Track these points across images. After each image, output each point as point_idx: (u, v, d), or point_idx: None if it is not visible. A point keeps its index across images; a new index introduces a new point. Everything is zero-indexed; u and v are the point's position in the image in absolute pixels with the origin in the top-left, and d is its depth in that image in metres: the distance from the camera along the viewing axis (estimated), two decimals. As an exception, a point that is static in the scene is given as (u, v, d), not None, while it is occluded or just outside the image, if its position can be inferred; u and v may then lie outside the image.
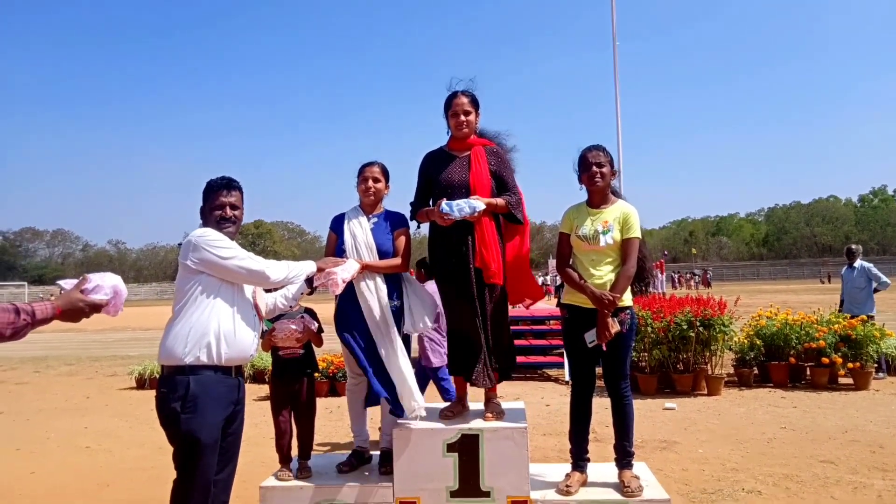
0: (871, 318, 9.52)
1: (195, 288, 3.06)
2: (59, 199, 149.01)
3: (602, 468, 3.89)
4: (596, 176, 3.73)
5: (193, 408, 2.93)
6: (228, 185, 3.29)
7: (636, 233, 3.71)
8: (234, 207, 3.30)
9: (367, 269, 3.84)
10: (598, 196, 3.81)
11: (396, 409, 3.71)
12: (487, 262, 3.64)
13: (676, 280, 51.84)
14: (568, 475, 3.69)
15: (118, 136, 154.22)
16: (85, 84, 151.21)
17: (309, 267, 3.51)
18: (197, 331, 3.00)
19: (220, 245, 3.09)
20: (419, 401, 3.69)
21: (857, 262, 9.91)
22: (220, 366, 3.04)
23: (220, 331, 3.02)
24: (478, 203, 3.59)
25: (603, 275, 3.66)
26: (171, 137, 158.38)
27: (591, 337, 3.60)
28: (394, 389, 3.70)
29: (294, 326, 3.91)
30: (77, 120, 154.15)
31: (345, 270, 3.65)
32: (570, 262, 3.81)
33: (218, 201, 3.26)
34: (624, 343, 3.69)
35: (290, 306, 3.70)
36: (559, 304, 3.90)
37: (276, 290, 3.55)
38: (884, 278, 9.73)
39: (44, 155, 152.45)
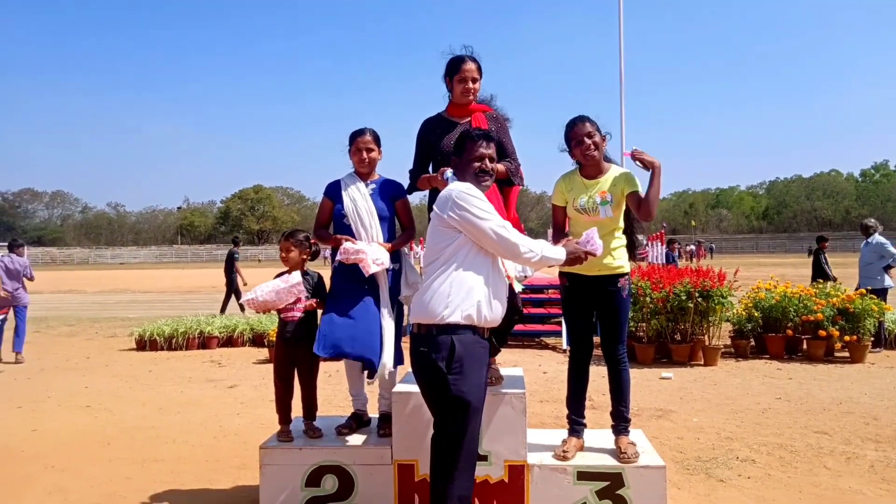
0: (884, 291, 9.57)
1: (456, 246, 2.97)
2: (59, 161, 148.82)
3: (598, 434, 3.92)
4: (590, 149, 3.60)
5: (460, 369, 2.85)
6: (487, 135, 3.20)
7: (639, 186, 3.64)
8: (492, 160, 3.19)
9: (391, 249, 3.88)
10: (594, 166, 3.69)
11: (370, 369, 3.70)
12: None
13: (678, 252, 51.67)
14: (565, 440, 3.72)
15: (118, 98, 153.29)
16: (85, 46, 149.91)
17: (559, 254, 3.17)
18: (460, 290, 2.92)
19: (480, 206, 2.96)
20: (388, 365, 3.70)
21: (873, 238, 9.93)
22: (479, 327, 2.96)
23: (484, 292, 2.95)
24: None
25: (608, 243, 3.62)
26: (172, 101, 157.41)
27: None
28: (372, 349, 3.68)
29: (281, 288, 3.88)
30: (76, 81, 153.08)
31: (360, 257, 3.69)
32: (567, 233, 3.78)
33: (477, 153, 3.12)
34: (622, 308, 3.69)
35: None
36: (560, 274, 3.88)
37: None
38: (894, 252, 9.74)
39: (43, 116, 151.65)
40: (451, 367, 2.83)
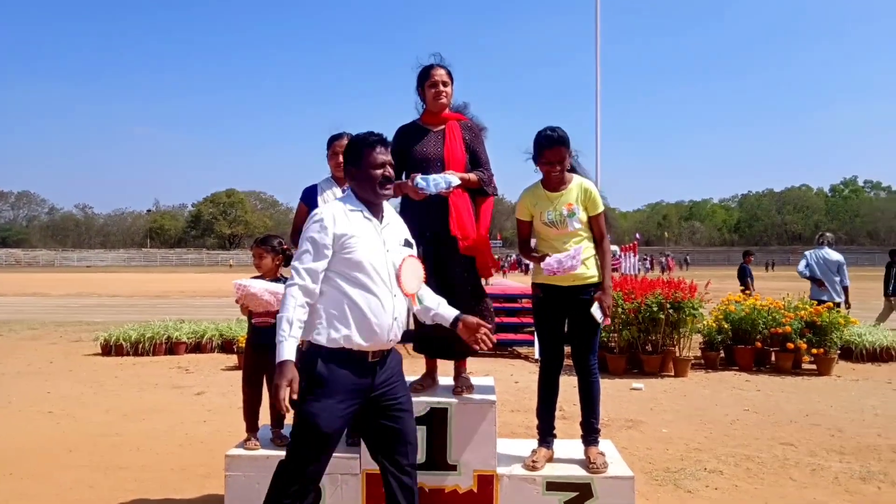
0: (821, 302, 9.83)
1: (327, 264, 2.81)
2: (25, 161, 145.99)
3: (568, 445, 3.92)
4: (556, 171, 3.63)
5: (320, 390, 2.76)
6: (385, 141, 2.96)
7: (601, 206, 3.71)
8: (392, 166, 2.97)
9: None
10: (558, 180, 3.70)
11: None
12: (464, 233, 3.64)
13: (650, 262, 52.47)
14: (534, 451, 3.71)
15: (87, 97, 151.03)
16: (52, 44, 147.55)
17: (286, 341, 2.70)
18: (334, 310, 2.81)
19: (306, 237, 2.80)
20: None
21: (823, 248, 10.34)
22: (355, 350, 2.82)
23: (358, 314, 2.79)
24: (453, 178, 3.57)
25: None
26: (142, 101, 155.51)
27: (598, 314, 3.62)
28: None
29: (266, 297, 3.87)
30: (44, 80, 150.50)
31: None
32: (534, 246, 3.81)
33: (378, 159, 2.89)
34: (595, 319, 3.70)
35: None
36: (533, 284, 3.87)
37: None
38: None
39: (10, 115, 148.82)
40: (309, 388, 2.71)
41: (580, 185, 3.71)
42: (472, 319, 3.05)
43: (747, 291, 11.56)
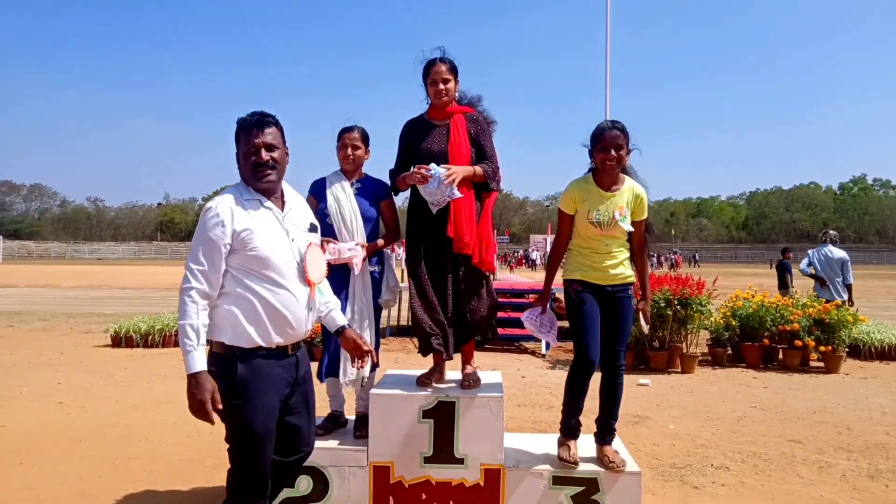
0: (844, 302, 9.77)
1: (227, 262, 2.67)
2: (38, 154, 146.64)
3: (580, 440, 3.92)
4: (612, 160, 3.46)
5: (245, 393, 2.66)
6: (261, 121, 2.69)
7: (646, 213, 3.66)
8: (270, 148, 2.69)
9: (369, 250, 3.88)
10: (611, 177, 3.56)
11: (335, 370, 3.77)
12: (461, 233, 3.62)
13: (657, 259, 52.52)
14: (566, 445, 3.59)
15: (100, 93, 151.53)
16: (70, 41, 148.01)
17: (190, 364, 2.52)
18: (239, 310, 2.69)
19: (199, 233, 2.63)
20: (362, 372, 3.73)
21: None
22: (269, 347, 2.71)
23: (266, 309, 2.68)
24: (454, 192, 3.57)
25: (618, 255, 3.59)
26: (155, 97, 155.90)
27: (645, 325, 3.70)
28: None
29: None
30: (57, 75, 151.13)
31: (355, 254, 3.74)
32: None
33: (251, 143, 2.66)
34: (630, 316, 3.65)
35: None
36: (568, 280, 3.67)
37: None
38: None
39: (24, 109, 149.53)
40: (236, 393, 2.58)
41: (632, 190, 3.61)
42: (353, 336, 2.93)
43: (791, 291, 11.21)
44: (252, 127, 2.68)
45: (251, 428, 2.61)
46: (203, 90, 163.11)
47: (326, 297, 2.96)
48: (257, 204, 2.70)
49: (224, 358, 2.61)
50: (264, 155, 2.67)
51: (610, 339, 3.61)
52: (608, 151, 3.46)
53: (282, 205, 2.79)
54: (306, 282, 2.75)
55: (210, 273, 2.57)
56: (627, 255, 3.67)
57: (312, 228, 2.91)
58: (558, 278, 3.86)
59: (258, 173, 2.67)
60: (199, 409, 2.50)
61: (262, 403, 2.63)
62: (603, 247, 3.57)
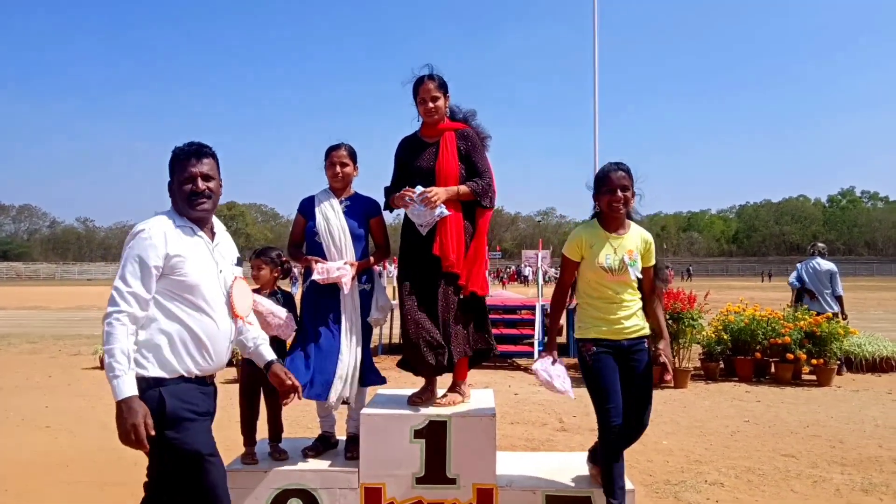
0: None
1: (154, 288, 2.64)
2: (26, 175, 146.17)
3: (568, 457, 3.92)
4: (619, 202, 3.38)
5: (178, 423, 2.60)
6: (199, 151, 2.71)
7: (654, 259, 3.59)
8: (206, 178, 2.72)
9: (359, 268, 3.85)
10: (618, 220, 3.47)
11: (321, 392, 3.67)
12: (446, 252, 3.60)
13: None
14: None
15: (88, 111, 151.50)
16: (52, 58, 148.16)
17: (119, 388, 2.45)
18: (163, 340, 2.66)
19: (130, 256, 2.55)
20: (346, 393, 3.70)
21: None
22: (193, 376, 2.71)
23: (189, 338, 2.67)
24: (443, 210, 3.58)
25: (631, 305, 3.47)
26: (143, 115, 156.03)
27: (667, 368, 3.57)
28: (331, 373, 3.68)
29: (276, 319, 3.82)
30: (44, 94, 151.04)
31: (343, 272, 3.70)
32: (573, 292, 3.63)
33: (186, 172, 2.67)
34: (651, 370, 3.51)
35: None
36: (581, 340, 3.48)
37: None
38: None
39: (11, 128, 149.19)
40: (167, 424, 2.51)
41: (640, 235, 3.54)
42: (278, 372, 2.92)
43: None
44: (190, 156, 2.70)
45: (199, 453, 2.55)
46: (192, 112, 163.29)
47: (254, 331, 2.98)
48: (190, 231, 2.70)
49: (149, 391, 2.53)
50: (201, 184, 2.68)
51: (635, 406, 3.43)
52: (614, 192, 3.39)
53: (212, 236, 2.80)
54: (232, 315, 2.77)
55: (140, 295, 2.52)
56: (640, 304, 3.53)
57: (238, 262, 2.93)
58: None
59: (193, 202, 2.68)
60: (132, 434, 2.41)
61: (200, 425, 2.61)
62: (614, 295, 3.44)
